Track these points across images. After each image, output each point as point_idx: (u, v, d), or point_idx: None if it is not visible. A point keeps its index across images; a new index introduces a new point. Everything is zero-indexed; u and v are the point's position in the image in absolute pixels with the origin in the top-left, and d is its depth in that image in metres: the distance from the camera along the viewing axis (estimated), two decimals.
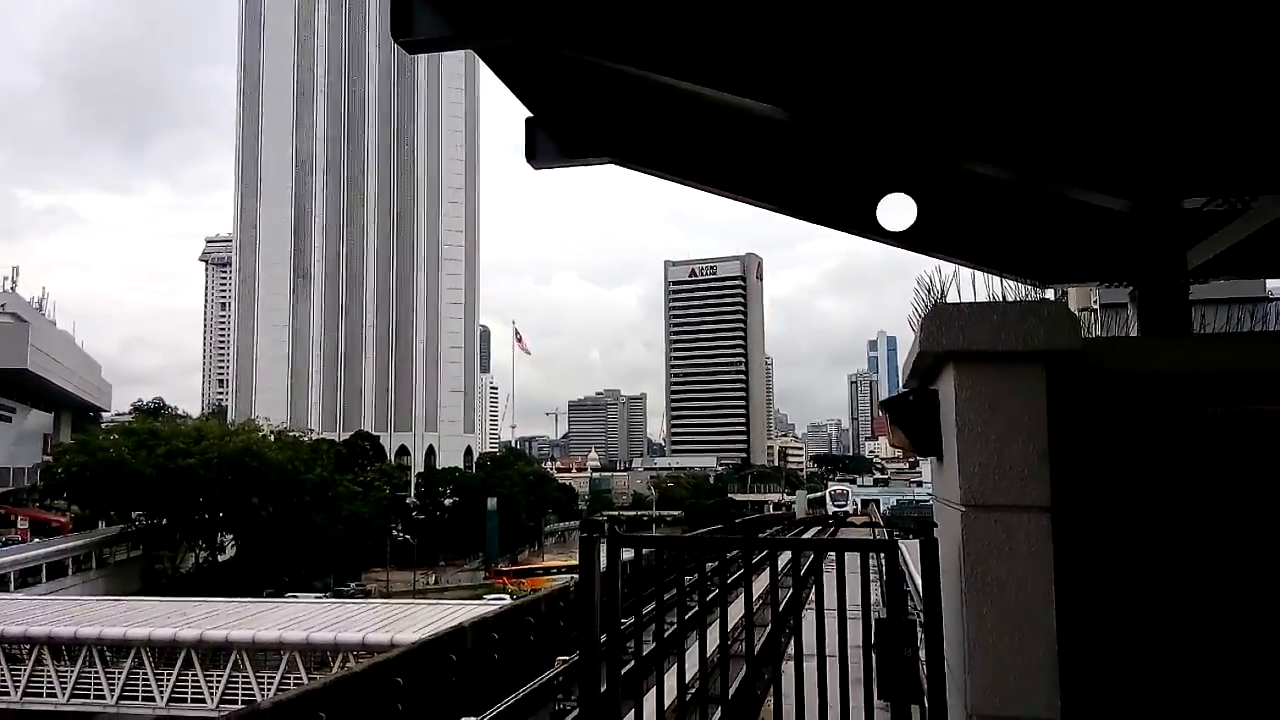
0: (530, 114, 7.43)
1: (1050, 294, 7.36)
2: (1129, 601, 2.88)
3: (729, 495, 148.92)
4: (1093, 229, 6.56)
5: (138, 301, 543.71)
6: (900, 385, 3.90)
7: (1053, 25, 4.88)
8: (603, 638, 3.75)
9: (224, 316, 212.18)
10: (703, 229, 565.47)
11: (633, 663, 4.26)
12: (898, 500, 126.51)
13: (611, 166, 7.84)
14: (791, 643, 3.74)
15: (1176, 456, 2.93)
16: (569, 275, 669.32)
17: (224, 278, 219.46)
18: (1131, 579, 2.89)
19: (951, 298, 3.32)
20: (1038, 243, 7.30)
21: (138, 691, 34.75)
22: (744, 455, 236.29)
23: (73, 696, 35.50)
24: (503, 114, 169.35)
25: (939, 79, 5.00)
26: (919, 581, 3.31)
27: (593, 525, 3.78)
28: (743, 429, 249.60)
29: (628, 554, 4.18)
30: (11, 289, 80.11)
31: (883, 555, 3.27)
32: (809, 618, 3.97)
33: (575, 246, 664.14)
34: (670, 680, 3.80)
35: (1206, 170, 4.97)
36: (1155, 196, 5.12)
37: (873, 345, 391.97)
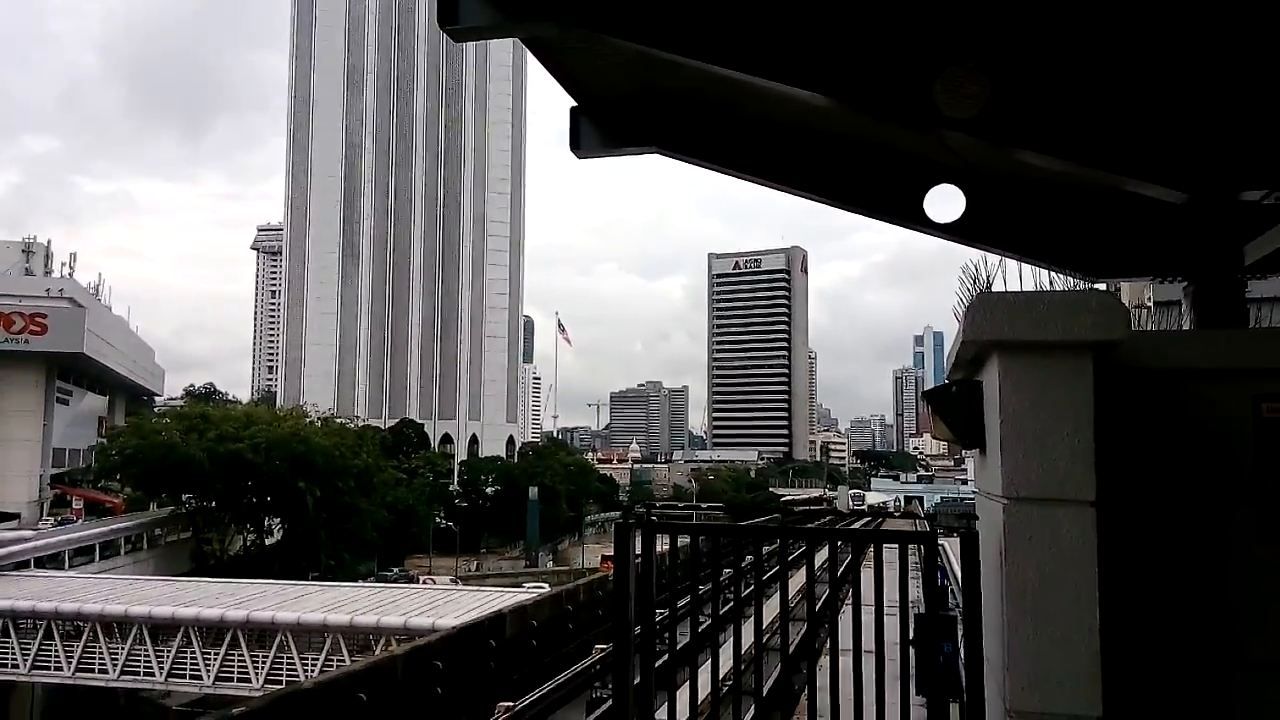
0: (575, 103, 7.44)
1: (1102, 287, 7.20)
2: (1174, 598, 2.81)
3: (770, 489, 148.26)
4: (1146, 222, 6.40)
5: (191, 288, 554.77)
6: (945, 378, 3.83)
7: (1107, 11, 4.76)
8: (637, 629, 3.73)
9: (274, 304, 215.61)
10: (747, 221, 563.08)
11: (666, 656, 4.25)
12: (941, 498, 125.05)
13: (655, 156, 7.82)
14: (836, 635, 3.70)
15: (1227, 452, 2.85)
16: (610, 266, 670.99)
17: (275, 266, 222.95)
18: (1178, 576, 2.82)
19: (997, 287, 3.26)
20: (1089, 235, 7.14)
21: (185, 670, 35.50)
22: (786, 449, 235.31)
23: (123, 673, 36.36)
24: (548, 103, 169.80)
25: (991, 67, 4.90)
26: (961, 576, 3.26)
27: (631, 513, 3.75)
28: (785, 423, 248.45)
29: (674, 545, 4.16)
30: (69, 275, 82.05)
31: (921, 548, 3.22)
32: (847, 612, 3.93)
33: (617, 238, 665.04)
34: (706, 673, 3.77)
35: (1265, 162, 4.83)
36: (1212, 188, 4.99)
37: (919, 340, 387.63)
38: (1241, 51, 4.60)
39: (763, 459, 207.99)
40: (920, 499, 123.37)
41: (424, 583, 58.69)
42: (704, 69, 5.41)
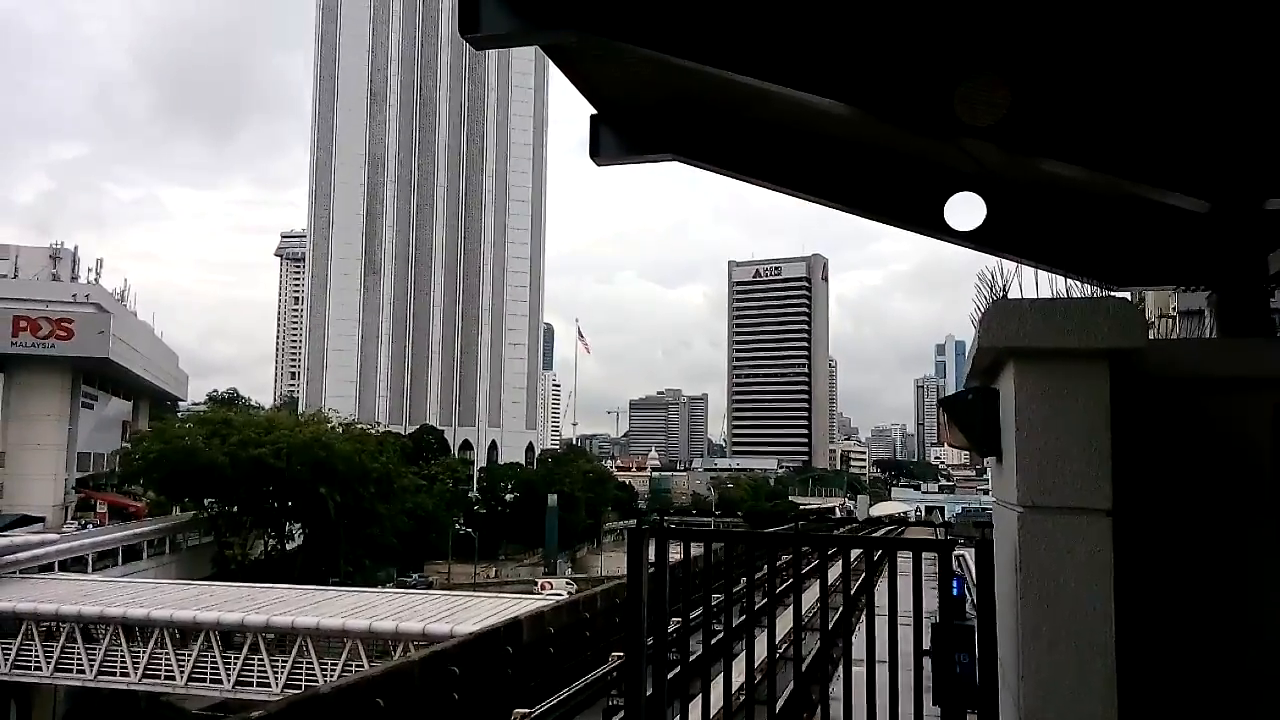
0: (594, 111, 7.46)
1: (1124, 295, 7.12)
2: (1191, 611, 2.77)
3: (789, 498, 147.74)
4: (1169, 230, 6.34)
5: (215, 293, 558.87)
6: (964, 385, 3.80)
7: (1129, 18, 4.73)
8: (649, 639, 3.70)
9: (297, 310, 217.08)
10: (766, 228, 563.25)
11: (678, 668, 4.23)
12: (963, 508, 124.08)
13: (674, 164, 7.84)
14: (849, 645, 3.67)
15: (1247, 462, 2.81)
16: (630, 274, 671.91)
17: (298, 272, 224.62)
18: (1195, 588, 2.78)
19: (1014, 294, 3.23)
20: (1111, 244, 7.08)
21: (206, 674, 35.73)
22: (805, 458, 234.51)
23: (144, 676, 36.64)
24: (569, 111, 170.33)
25: (1011, 74, 4.87)
26: (975, 586, 3.23)
27: (646, 519, 3.75)
28: (805, 431, 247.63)
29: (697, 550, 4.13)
30: (95, 280, 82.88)
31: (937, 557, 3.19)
32: (863, 620, 3.90)
33: (637, 245, 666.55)
34: (719, 682, 3.74)
35: None
36: (1235, 197, 4.93)
37: (940, 349, 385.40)
38: (1266, 59, 4.56)
39: (782, 467, 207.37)
40: (941, 509, 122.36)
41: (541, 589, 60.00)
42: (723, 76, 5.41)
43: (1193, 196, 5.03)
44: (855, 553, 4.48)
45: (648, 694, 3.68)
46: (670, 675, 3.92)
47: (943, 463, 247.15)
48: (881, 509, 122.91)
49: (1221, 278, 5.69)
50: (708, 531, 3.82)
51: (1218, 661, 2.79)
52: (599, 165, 7.73)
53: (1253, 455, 2.84)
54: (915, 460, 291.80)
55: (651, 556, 3.63)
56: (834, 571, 4.92)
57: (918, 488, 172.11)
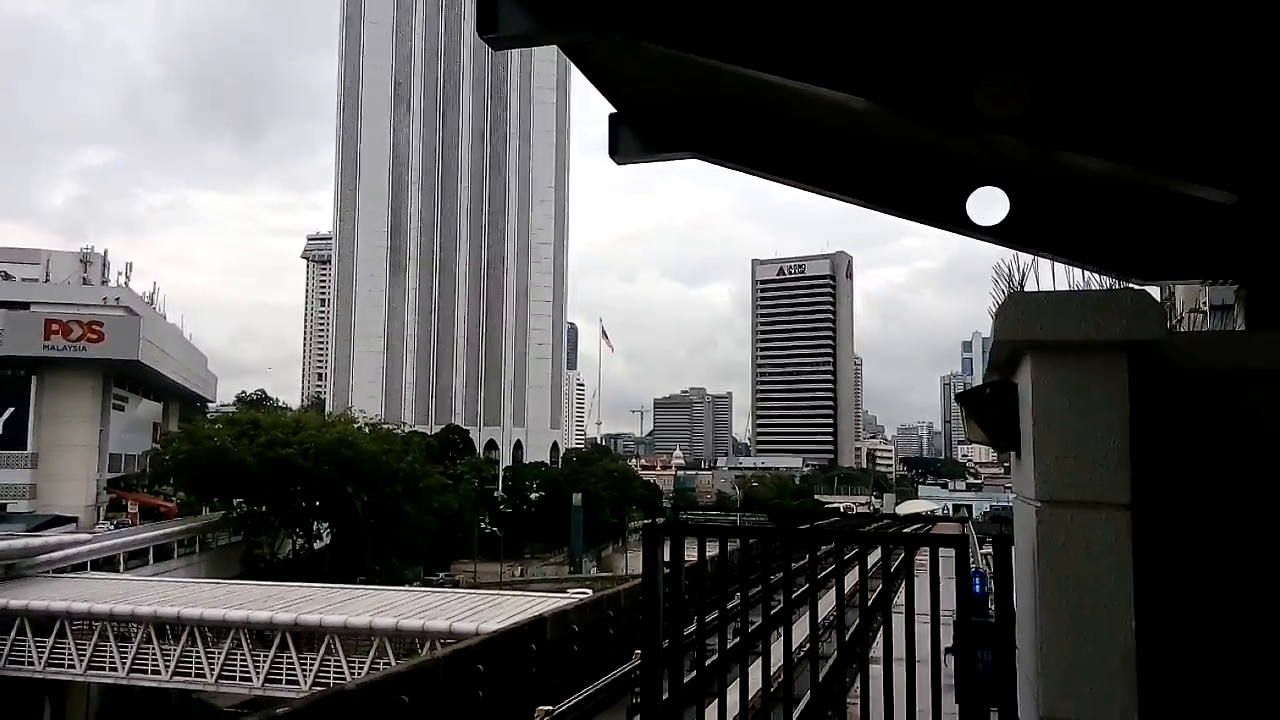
0: (613, 109, 7.46)
1: (1156, 292, 7.02)
2: (1212, 608, 2.73)
3: (815, 496, 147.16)
4: (1195, 223, 6.25)
5: (243, 295, 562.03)
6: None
7: (1153, 8, 4.67)
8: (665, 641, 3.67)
9: (323, 312, 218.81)
10: (790, 226, 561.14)
11: (695, 673, 4.18)
12: (991, 506, 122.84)
13: (696, 161, 7.82)
14: (867, 643, 3.65)
15: (1271, 457, 2.76)
16: (653, 273, 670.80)
17: (324, 274, 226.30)
18: (1217, 583, 2.74)
19: (1030, 287, 3.19)
20: (1138, 238, 6.98)
21: (236, 672, 36.10)
22: (831, 456, 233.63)
23: (175, 674, 37.08)
24: (590, 109, 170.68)
25: (1033, 66, 4.82)
26: (994, 582, 3.20)
27: (663, 514, 3.72)
28: (830, 430, 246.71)
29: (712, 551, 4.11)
30: (125, 283, 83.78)
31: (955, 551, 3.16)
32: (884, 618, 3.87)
33: (659, 244, 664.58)
34: (737, 683, 3.72)
35: None
36: (1263, 189, 4.85)
37: (967, 346, 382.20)
38: None
39: (807, 466, 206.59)
40: (969, 507, 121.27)
41: None
42: (742, 73, 5.39)
43: (1220, 188, 4.96)
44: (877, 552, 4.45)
45: (664, 697, 3.66)
46: (688, 679, 3.90)
47: (970, 460, 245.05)
48: (908, 507, 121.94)
49: (1249, 271, 5.61)
50: (724, 528, 3.80)
51: (1238, 657, 2.74)
52: (619, 164, 7.72)
53: (1277, 449, 2.79)
54: (942, 458, 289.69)
55: (669, 555, 3.62)
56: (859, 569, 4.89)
57: (945, 486, 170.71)
